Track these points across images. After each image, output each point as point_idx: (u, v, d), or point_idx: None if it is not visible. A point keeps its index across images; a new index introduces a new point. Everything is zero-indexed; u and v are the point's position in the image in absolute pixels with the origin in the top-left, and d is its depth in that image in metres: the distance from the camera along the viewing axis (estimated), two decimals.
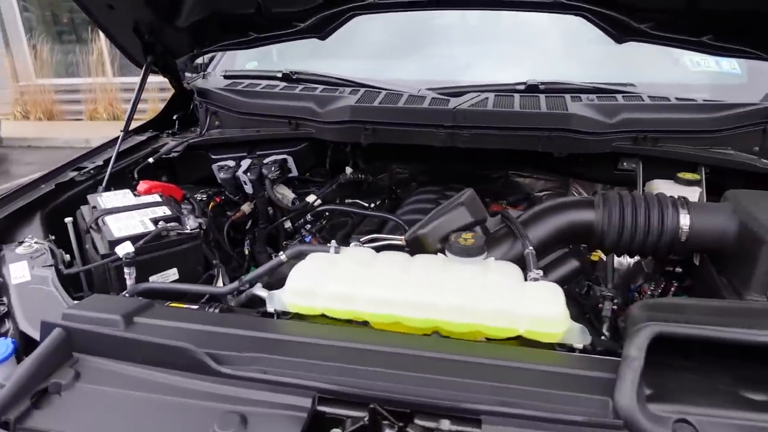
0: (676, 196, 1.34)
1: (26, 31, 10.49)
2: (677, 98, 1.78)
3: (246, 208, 1.91)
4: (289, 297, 1.11)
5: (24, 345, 1.06)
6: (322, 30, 1.82)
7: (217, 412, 0.86)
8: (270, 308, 1.15)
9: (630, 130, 1.70)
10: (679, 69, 2.07)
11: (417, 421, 0.84)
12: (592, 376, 0.90)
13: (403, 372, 0.88)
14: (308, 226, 1.88)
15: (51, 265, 1.26)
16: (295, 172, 1.97)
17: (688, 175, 1.62)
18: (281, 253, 1.25)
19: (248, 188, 1.88)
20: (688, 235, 1.27)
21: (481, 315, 1.02)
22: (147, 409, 0.89)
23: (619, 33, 1.67)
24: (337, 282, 1.09)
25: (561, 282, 1.38)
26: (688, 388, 0.86)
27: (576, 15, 1.66)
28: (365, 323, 1.11)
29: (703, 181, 1.65)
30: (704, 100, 1.78)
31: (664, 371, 0.89)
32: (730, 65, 2.06)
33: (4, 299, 1.19)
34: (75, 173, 1.71)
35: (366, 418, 0.82)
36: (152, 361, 0.95)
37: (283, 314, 1.14)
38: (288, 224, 1.93)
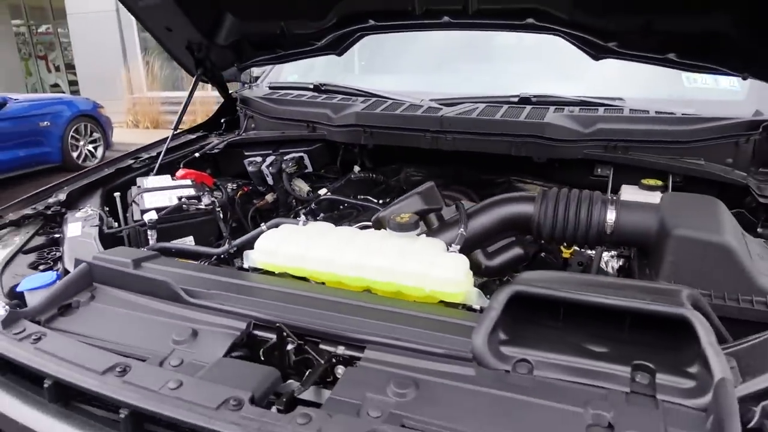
0: (613, 196, 1.50)
1: (142, 50, 11.86)
2: (656, 111, 1.90)
3: (269, 197, 2.24)
4: (257, 255, 1.40)
5: None
6: (337, 48, 2.13)
7: (179, 327, 1.16)
8: (245, 264, 1.45)
9: (601, 138, 1.84)
10: (675, 86, 2.15)
11: (321, 346, 1.10)
12: (465, 324, 1.10)
13: (317, 310, 1.14)
14: (321, 215, 2.18)
15: (97, 226, 1.64)
16: (310, 168, 2.28)
17: (651, 182, 1.72)
18: (263, 224, 1.55)
19: (270, 180, 2.21)
20: (613, 229, 1.41)
21: (397, 275, 1.25)
22: (134, 322, 1.21)
23: (594, 51, 1.82)
24: (293, 244, 1.37)
25: (505, 266, 1.58)
26: (541, 338, 1.04)
27: (552, 35, 1.83)
28: (322, 284, 1.38)
29: (669, 187, 1.76)
30: (683, 114, 1.88)
31: (527, 326, 1.08)
32: (728, 83, 2.11)
33: (61, 248, 1.59)
34: (132, 161, 2.13)
35: (275, 337, 1.09)
36: (146, 292, 1.28)
37: (254, 269, 1.44)
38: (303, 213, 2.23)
